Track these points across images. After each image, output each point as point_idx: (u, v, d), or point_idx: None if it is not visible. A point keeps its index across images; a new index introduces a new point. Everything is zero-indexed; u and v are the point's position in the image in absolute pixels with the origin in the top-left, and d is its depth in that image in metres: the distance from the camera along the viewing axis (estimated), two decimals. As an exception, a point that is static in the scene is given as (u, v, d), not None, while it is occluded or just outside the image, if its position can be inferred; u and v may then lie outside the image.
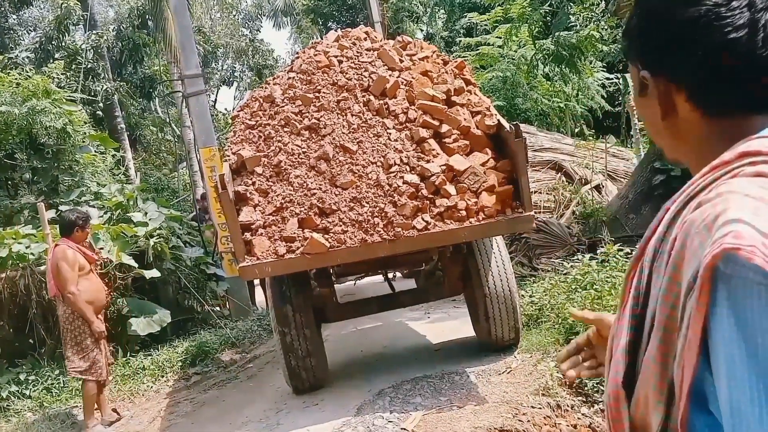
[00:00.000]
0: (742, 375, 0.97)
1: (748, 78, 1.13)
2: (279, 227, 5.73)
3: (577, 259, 8.05)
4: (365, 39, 7.22)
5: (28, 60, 18.09)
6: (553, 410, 5.59)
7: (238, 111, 6.97)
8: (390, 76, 6.52)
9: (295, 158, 6.07)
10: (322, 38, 7.79)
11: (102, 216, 9.87)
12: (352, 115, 6.26)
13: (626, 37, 1.33)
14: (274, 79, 7.16)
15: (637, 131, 15.08)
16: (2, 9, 20.99)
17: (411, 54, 7.00)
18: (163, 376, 8.78)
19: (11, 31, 21.84)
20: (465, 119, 6.17)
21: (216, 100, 36.61)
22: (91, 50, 19.02)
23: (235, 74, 36.95)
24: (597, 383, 5.80)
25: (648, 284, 1.16)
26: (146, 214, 10.41)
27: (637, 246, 1.24)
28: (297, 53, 7.77)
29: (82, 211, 7.37)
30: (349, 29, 7.77)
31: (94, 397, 6.98)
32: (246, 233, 5.70)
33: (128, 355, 9.05)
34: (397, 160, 5.94)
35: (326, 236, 5.63)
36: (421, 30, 22.07)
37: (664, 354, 1.10)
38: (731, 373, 0.99)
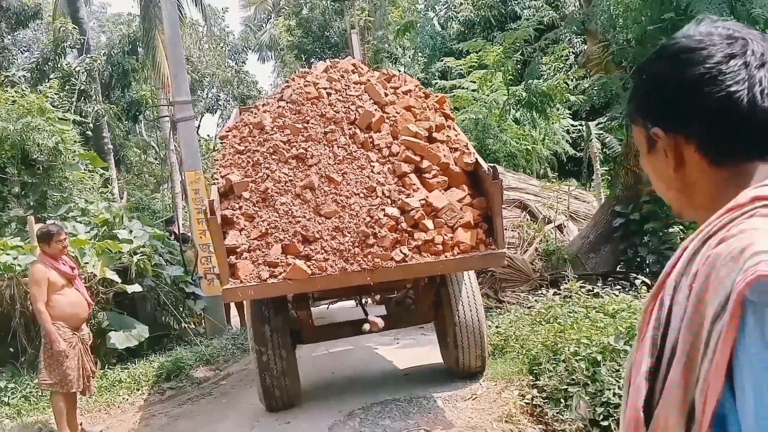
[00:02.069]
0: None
1: (749, 128, 1.22)
2: (263, 252, 5.87)
3: (541, 293, 8.36)
4: (353, 71, 7.43)
5: (24, 79, 18.33)
6: (515, 437, 5.79)
7: (227, 131, 7.14)
8: (375, 110, 6.74)
9: (282, 186, 6.24)
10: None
11: (89, 232, 10.09)
12: (338, 147, 6.47)
13: (633, 101, 1.41)
14: (264, 105, 7.33)
15: (599, 176, 15.58)
16: (-1, 30, 21.31)
17: (395, 87, 7.24)
18: (138, 390, 8.89)
19: (6, 51, 22.10)
20: (444, 155, 6.40)
21: (199, 126, 36.87)
22: (85, 73, 19.35)
23: (219, 102, 37.31)
24: (557, 413, 6.10)
25: (668, 315, 1.21)
26: (131, 231, 10.62)
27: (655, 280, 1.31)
28: (287, 80, 7.90)
29: (51, 225, 7.35)
30: (338, 60, 8.00)
31: (63, 409, 6.96)
32: (231, 256, 5.83)
33: (106, 367, 9.16)
34: (379, 193, 6.14)
35: (308, 263, 5.78)
36: (399, 71, 22.56)
37: (687, 379, 1.14)
38: (758, 395, 1.02)
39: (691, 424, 1.13)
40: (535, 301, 8.12)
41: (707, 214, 1.24)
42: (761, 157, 1.26)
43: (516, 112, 13.25)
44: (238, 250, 5.88)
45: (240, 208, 6.17)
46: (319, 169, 6.33)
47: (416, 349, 8.60)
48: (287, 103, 6.98)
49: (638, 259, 9.78)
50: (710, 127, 1.25)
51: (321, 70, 7.56)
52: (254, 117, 7.07)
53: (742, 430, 1.05)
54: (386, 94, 7.05)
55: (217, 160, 7.08)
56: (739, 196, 1.20)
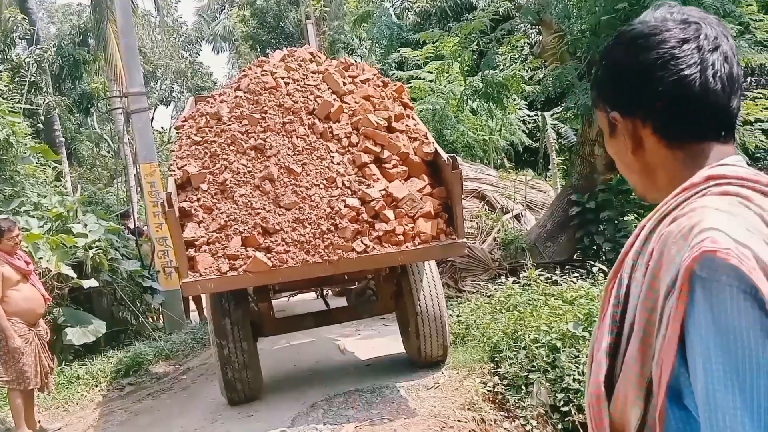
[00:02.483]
0: (717, 367, 1.06)
1: (702, 110, 1.27)
2: (222, 244, 5.82)
3: (501, 282, 8.47)
4: (311, 60, 7.41)
5: (-29, 72, 17.89)
6: (478, 424, 5.87)
7: (182, 121, 7.07)
8: (334, 100, 6.73)
9: (241, 177, 6.20)
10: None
11: (42, 226, 9.89)
12: (297, 138, 6.45)
13: (594, 87, 1.46)
14: (220, 95, 7.25)
15: (555, 166, 15.80)
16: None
17: (353, 76, 7.24)
18: (97, 386, 8.79)
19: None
20: (404, 145, 6.42)
21: (153, 118, 36.41)
22: (35, 64, 18.94)
23: (173, 94, 36.87)
24: (518, 399, 6.20)
25: (627, 293, 1.27)
26: (86, 226, 10.44)
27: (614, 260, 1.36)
28: (244, 70, 7.80)
29: (3, 220, 7.18)
30: (295, 48, 7.96)
31: (20, 406, 6.90)
32: (190, 249, 5.77)
33: (63, 364, 9.03)
34: (339, 184, 6.14)
35: (269, 255, 5.75)
36: (356, 62, 22.43)
37: (644, 354, 1.19)
38: (707, 366, 1.07)
39: (650, 397, 1.19)
40: (495, 289, 8.23)
41: (666, 194, 1.29)
42: (716, 138, 1.31)
43: (473, 102, 13.35)
44: (197, 242, 5.82)
45: (198, 200, 6.10)
46: (278, 160, 6.29)
47: (378, 340, 8.64)
48: (244, 92, 6.93)
49: (594, 247, 9.94)
50: (664, 109, 1.29)
51: (278, 59, 7.51)
52: (211, 107, 6.97)
53: (696, 401, 1.10)
54: (345, 83, 7.03)
55: (174, 151, 6.96)
56: (694, 176, 1.25)
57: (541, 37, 12.57)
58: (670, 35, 1.29)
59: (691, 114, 1.28)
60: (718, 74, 1.26)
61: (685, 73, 1.26)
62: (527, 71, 13.68)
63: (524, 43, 14.58)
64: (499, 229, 10.91)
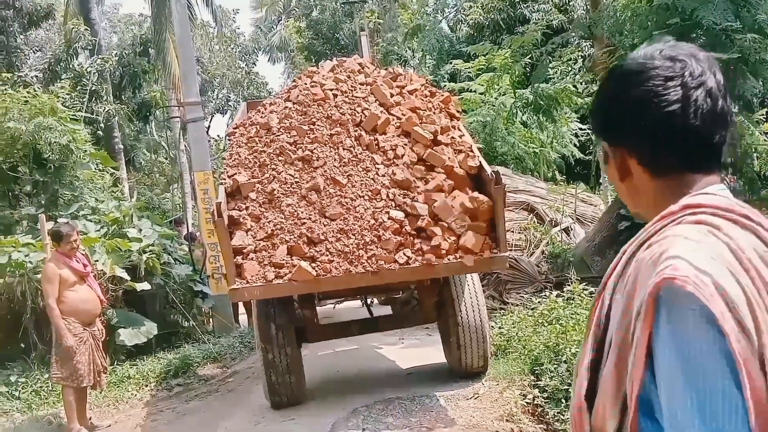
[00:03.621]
0: (678, 385, 1.14)
1: (682, 144, 1.34)
2: (269, 253, 5.96)
3: (545, 295, 8.44)
4: (359, 72, 7.51)
5: (36, 79, 18.57)
6: (516, 436, 5.88)
7: (234, 128, 7.24)
8: (381, 113, 6.82)
9: (288, 187, 6.33)
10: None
11: (99, 230, 10.23)
12: (344, 149, 6.56)
13: (591, 116, 1.55)
14: (270, 105, 7.38)
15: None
16: (11, 29, 21.49)
17: (401, 86, 7.32)
18: (146, 386, 9.03)
19: (18, 51, 22.31)
20: (449, 158, 6.46)
21: (209, 127, 37.09)
22: (96, 73, 19.56)
23: (230, 103, 37.50)
24: (558, 412, 6.20)
25: (608, 313, 1.34)
26: (141, 230, 10.76)
27: (600, 283, 1.43)
28: (294, 80, 7.92)
29: (64, 224, 7.54)
30: (344, 59, 8.07)
31: (73, 402, 7.14)
32: (237, 257, 5.93)
33: (115, 363, 9.28)
34: (383, 196, 6.23)
35: (313, 265, 5.87)
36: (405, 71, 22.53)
37: (619, 370, 1.26)
38: (669, 384, 1.16)
39: (625, 410, 1.26)
40: (539, 302, 8.21)
41: (652, 218, 1.37)
42: (698, 169, 1.37)
43: (523, 115, 13.34)
44: (245, 250, 5.97)
45: (247, 208, 6.26)
46: (325, 171, 6.40)
47: (420, 349, 8.67)
48: (294, 103, 7.06)
49: (642, 263, 9.79)
50: (648, 143, 1.37)
51: (328, 70, 7.64)
52: (261, 117, 7.13)
53: (663, 411, 1.18)
54: (392, 95, 7.11)
55: (225, 159, 7.14)
56: (673, 205, 1.33)
57: (593, 51, 12.53)
58: (656, 73, 1.35)
59: (673, 148, 1.35)
60: (699, 111, 1.32)
61: (667, 110, 1.32)
62: (580, 84, 13.60)
63: (577, 56, 14.51)
64: (548, 242, 10.86)
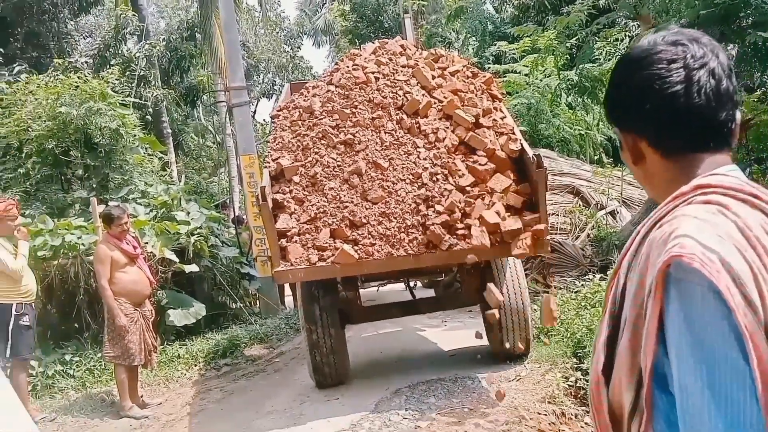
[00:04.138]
0: (687, 358, 1.19)
1: (688, 124, 1.38)
2: (312, 236, 6.05)
3: (588, 278, 8.42)
4: (401, 54, 7.52)
5: (86, 65, 18.96)
6: (558, 417, 5.88)
7: (277, 111, 7.31)
8: (423, 95, 6.82)
9: (330, 171, 6.40)
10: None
11: (148, 213, 10.46)
12: (386, 133, 6.59)
13: (603, 104, 1.61)
14: (313, 88, 7.43)
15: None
16: (62, 15, 21.93)
17: (443, 67, 7.32)
18: (195, 365, 9.26)
19: (69, 37, 22.79)
20: (491, 141, 6.45)
21: (255, 111, 37.39)
22: (144, 59, 19.90)
23: (275, 87, 37.69)
24: (600, 395, 6.19)
25: (623, 291, 1.39)
26: (189, 213, 10.96)
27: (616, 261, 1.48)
28: (336, 63, 7.95)
29: (115, 207, 7.75)
30: (386, 40, 8.07)
31: (125, 381, 7.37)
32: (282, 239, 6.02)
33: (165, 343, 9.53)
34: (425, 179, 6.24)
35: (355, 248, 5.94)
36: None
37: (634, 346, 1.32)
38: (679, 357, 1.21)
39: (641, 384, 1.33)
40: (582, 285, 8.17)
41: (664, 199, 1.42)
42: (707, 149, 1.42)
43: (568, 97, 13.20)
44: (289, 233, 6.06)
45: (290, 191, 6.34)
46: (367, 155, 6.44)
47: (463, 332, 8.66)
48: (336, 87, 7.10)
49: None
50: (655, 124, 1.43)
51: (370, 53, 7.64)
52: (304, 100, 7.18)
53: (674, 383, 1.24)
54: (434, 77, 7.10)
55: (269, 142, 7.21)
56: (684, 186, 1.38)
57: (638, 31, 12.32)
58: (659, 57, 1.40)
59: (679, 128, 1.40)
60: (703, 90, 1.36)
61: (671, 91, 1.37)
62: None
63: (624, 35, 14.26)
64: (593, 226, 10.75)
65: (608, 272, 7.88)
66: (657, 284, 1.25)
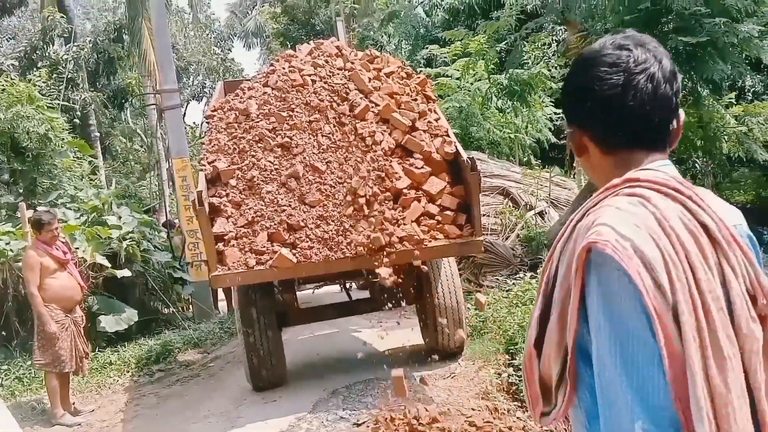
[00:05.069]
0: (604, 334, 1.33)
1: (625, 123, 1.49)
2: (249, 239, 6.03)
3: (519, 277, 8.63)
4: (337, 55, 7.51)
5: (12, 67, 18.42)
6: (492, 413, 5.97)
7: (212, 111, 7.21)
8: (361, 99, 6.86)
9: (268, 174, 6.38)
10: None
11: (78, 218, 10.27)
12: (323, 136, 6.61)
13: (561, 98, 1.78)
14: (249, 89, 7.34)
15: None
16: (-17, 18, 21.31)
17: (378, 68, 7.35)
18: (128, 372, 9.13)
19: (-9, 39, 22.17)
20: (427, 144, 6.54)
21: (185, 114, 36.81)
22: (72, 61, 19.44)
23: (205, 90, 37.22)
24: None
25: (555, 274, 1.51)
26: (120, 218, 10.82)
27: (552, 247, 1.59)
28: (272, 64, 7.86)
29: (44, 212, 7.61)
30: (322, 41, 8.02)
31: (56, 388, 7.24)
32: (219, 244, 6.00)
33: (96, 350, 9.38)
34: (362, 182, 6.27)
35: (293, 251, 5.96)
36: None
37: (561, 323, 1.46)
38: (597, 333, 1.35)
39: (567, 357, 1.48)
40: (513, 284, 8.37)
41: None
42: (642, 147, 1.54)
43: (498, 100, 13.45)
44: (226, 237, 6.04)
45: (227, 195, 6.30)
46: (304, 158, 6.45)
47: (398, 331, 8.72)
48: (272, 89, 7.06)
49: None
50: (595, 123, 1.55)
51: (305, 53, 7.62)
52: (240, 102, 7.12)
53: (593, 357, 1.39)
54: (370, 79, 7.12)
55: (204, 143, 7.14)
56: (616, 179, 1.50)
57: (566, 36, 12.64)
58: (603, 60, 1.51)
59: (616, 127, 1.52)
60: (639, 94, 1.47)
61: (609, 93, 1.49)
62: (553, 69, 13.72)
63: (552, 40, 14.60)
64: (523, 226, 11.01)
65: (538, 270, 8.10)
66: (578, 267, 1.38)
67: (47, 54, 20.18)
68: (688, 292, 1.32)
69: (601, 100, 1.50)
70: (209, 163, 6.54)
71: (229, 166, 6.49)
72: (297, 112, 6.80)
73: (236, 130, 6.82)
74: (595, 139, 1.57)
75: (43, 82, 12.62)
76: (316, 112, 6.81)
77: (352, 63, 7.39)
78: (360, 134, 6.64)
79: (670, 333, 1.30)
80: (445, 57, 16.41)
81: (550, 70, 13.26)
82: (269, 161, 6.48)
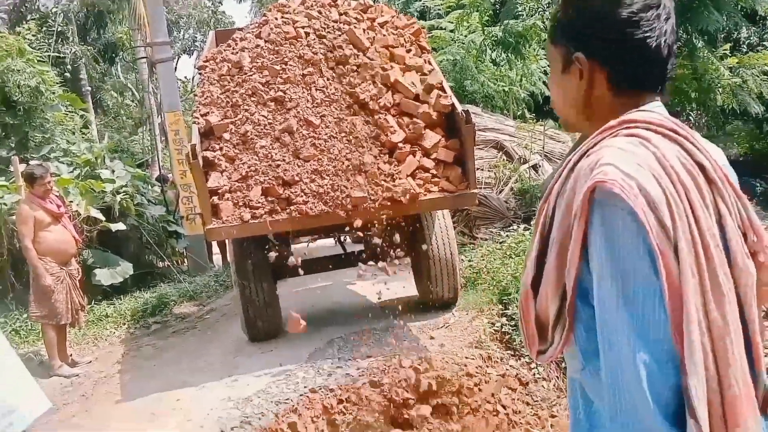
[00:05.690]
0: (606, 271, 1.36)
1: (651, 68, 1.54)
2: (244, 193, 6.02)
3: (513, 229, 8.70)
4: (331, 5, 7.39)
5: (1, 21, 18.18)
6: (485, 361, 6.16)
7: (204, 62, 7.11)
8: (355, 55, 6.77)
9: (261, 129, 6.33)
10: None
11: (71, 172, 10.25)
12: (317, 90, 6.54)
13: (559, 23, 1.64)
14: (241, 41, 7.22)
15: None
16: (-29, -30, 20.96)
17: (372, 18, 7.26)
18: (124, 324, 9.20)
19: (-22, -7, 21.78)
20: (422, 102, 6.47)
21: (176, 68, 36.46)
22: (61, 14, 19.19)
23: (196, 44, 36.84)
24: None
25: (552, 214, 1.53)
26: (113, 172, 10.81)
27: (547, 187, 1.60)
28: (264, 14, 7.72)
29: (37, 166, 7.56)
30: None
31: (53, 340, 7.32)
32: (213, 197, 5.99)
33: (92, 303, 9.42)
34: (357, 136, 6.28)
35: (289, 208, 5.98)
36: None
37: (559, 263, 1.49)
38: (599, 272, 1.37)
39: (565, 297, 1.50)
40: (507, 236, 8.43)
41: (594, 130, 1.55)
42: (652, 89, 1.58)
43: (492, 52, 13.37)
44: (220, 191, 6.03)
45: (221, 149, 6.28)
46: (298, 112, 6.39)
47: (393, 283, 8.79)
48: (265, 42, 6.97)
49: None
50: (623, 62, 1.55)
51: (298, 3, 7.50)
52: (233, 53, 7.04)
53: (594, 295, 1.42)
54: (365, 30, 7.02)
55: (197, 95, 7.08)
56: (612, 120, 1.52)
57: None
58: (637, 1, 1.51)
59: (642, 69, 1.55)
60: (666, 41, 1.52)
61: (646, 35, 1.50)
62: (548, 21, 13.59)
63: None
64: (516, 179, 11.05)
65: (532, 223, 8.16)
66: (582, 206, 1.40)
67: (36, 7, 19.94)
68: (688, 230, 1.36)
69: (639, 42, 1.51)
70: (202, 116, 6.49)
71: (221, 120, 6.44)
72: (290, 65, 6.72)
73: (229, 83, 6.74)
74: (612, 78, 1.57)
75: (33, 35, 12.47)
76: (310, 65, 6.73)
77: (346, 14, 7.28)
78: (355, 93, 6.55)
79: (672, 270, 1.34)
80: (439, 9, 16.24)
81: (544, 22, 13.14)
82: (263, 116, 6.43)
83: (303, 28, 7.03)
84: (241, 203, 5.99)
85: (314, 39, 6.95)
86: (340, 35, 7.00)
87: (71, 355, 7.70)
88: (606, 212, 1.37)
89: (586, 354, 1.54)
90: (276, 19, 7.25)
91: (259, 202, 5.98)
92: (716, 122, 17.51)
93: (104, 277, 9.72)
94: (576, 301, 1.49)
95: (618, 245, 1.35)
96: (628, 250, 1.35)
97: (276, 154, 6.19)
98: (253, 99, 6.56)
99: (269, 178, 6.06)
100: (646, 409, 1.33)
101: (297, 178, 6.05)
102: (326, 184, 6.05)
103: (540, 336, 1.62)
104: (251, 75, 6.72)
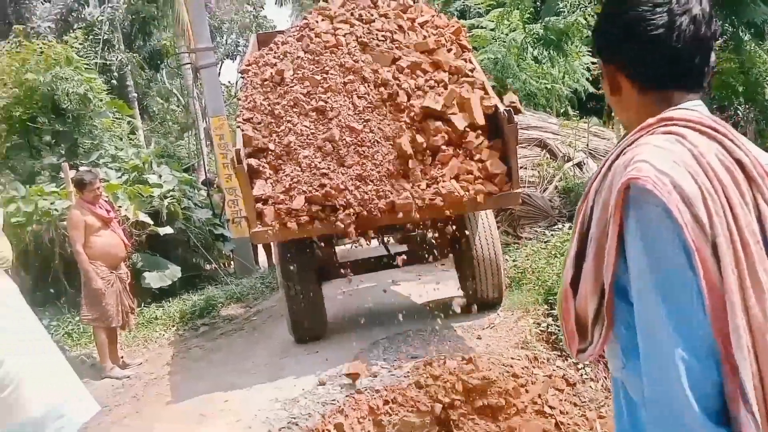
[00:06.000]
0: (643, 269, 1.37)
1: (667, 63, 1.53)
2: (287, 205, 6.00)
3: (557, 228, 8.61)
4: (371, 7, 7.37)
5: (49, 30, 18.61)
6: (531, 362, 6.08)
7: (247, 65, 7.17)
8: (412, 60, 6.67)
9: (304, 139, 6.31)
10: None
11: (120, 177, 10.45)
12: (358, 97, 6.49)
13: (592, 36, 1.72)
14: (283, 44, 7.22)
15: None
16: (19, -20, 21.49)
17: (412, 18, 7.24)
18: (173, 326, 9.37)
19: (26, 1, 22.28)
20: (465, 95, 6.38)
21: (220, 73, 36.87)
22: (107, 22, 19.58)
23: (239, 48, 37.20)
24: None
25: (591, 212, 1.55)
26: (161, 176, 10.99)
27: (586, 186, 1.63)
28: (305, 17, 7.70)
29: (86, 172, 7.73)
30: None
31: (105, 342, 7.47)
32: (258, 203, 6.03)
33: (142, 305, 9.60)
34: (400, 141, 6.22)
35: (334, 215, 5.97)
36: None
37: (598, 261, 1.50)
38: (636, 268, 1.38)
39: (603, 295, 1.51)
40: (552, 235, 8.36)
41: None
42: (679, 87, 1.57)
43: (534, 50, 13.26)
44: (264, 197, 6.06)
45: (266, 157, 6.29)
46: (340, 121, 6.36)
47: (436, 284, 8.83)
48: (305, 53, 6.94)
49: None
50: (635, 62, 1.57)
51: (339, 5, 7.49)
52: (275, 56, 7.05)
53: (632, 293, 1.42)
54: (404, 28, 6.98)
55: (240, 100, 7.11)
56: (651, 118, 1.52)
57: (602, -17, 12.32)
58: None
59: (657, 67, 1.54)
60: (683, 35, 1.50)
61: (655, 32, 1.50)
62: (590, 17, 13.43)
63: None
64: (560, 178, 10.94)
65: (575, 221, 8.09)
66: (617, 204, 1.41)
67: (82, 16, 20.34)
68: (726, 226, 1.35)
69: (645, 40, 1.52)
70: (245, 120, 6.53)
71: (261, 132, 6.44)
72: (331, 74, 6.69)
73: (271, 92, 6.73)
74: (632, 78, 1.59)
75: (80, 44, 12.70)
76: (351, 73, 6.69)
77: (387, 16, 7.25)
78: (397, 102, 6.49)
79: (709, 266, 1.34)
80: (479, 8, 16.16)
81: (586, 19, 12.97)
82: (305, 126, 6.40)
83: (344, 35, 7.00)
84: (284, 213, 6.01)
85: (354, 47, 6.90)
86: (383, 41, 6.92)
87: (122, 357, 7.86)
88: (641, 209, 1.38)
89: (626, 351, 1.55)
90: (316, 21, 7.26)
91: (303, 210, 5.99)
92: (765, 116, 17.10)
93: (153, 280, 9.89)
94: (615, 298, 1.49)
95: (653, 241, 1.36)
96: (664, 246, 1.35)
97: (320, 163, 6.18)
98: (295, 110, 6.53)
99: (313, 188, 6.05)
100: (686, 403, 1.32)
101: (342, 186, 6.04)
102: (370, 190, 6.06)
103: (580, 334, 1.63)
104: (293, 86, 6.69)
